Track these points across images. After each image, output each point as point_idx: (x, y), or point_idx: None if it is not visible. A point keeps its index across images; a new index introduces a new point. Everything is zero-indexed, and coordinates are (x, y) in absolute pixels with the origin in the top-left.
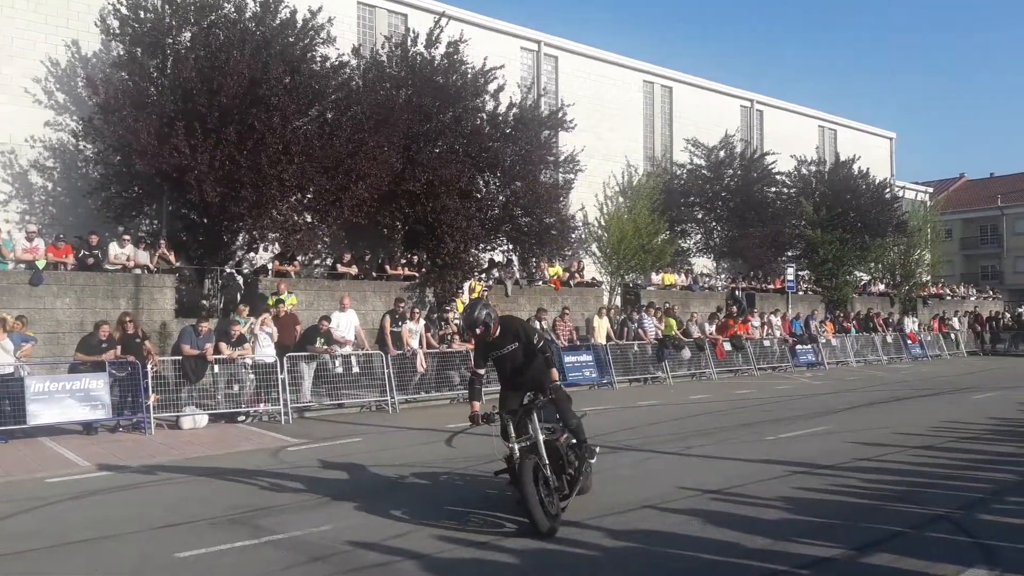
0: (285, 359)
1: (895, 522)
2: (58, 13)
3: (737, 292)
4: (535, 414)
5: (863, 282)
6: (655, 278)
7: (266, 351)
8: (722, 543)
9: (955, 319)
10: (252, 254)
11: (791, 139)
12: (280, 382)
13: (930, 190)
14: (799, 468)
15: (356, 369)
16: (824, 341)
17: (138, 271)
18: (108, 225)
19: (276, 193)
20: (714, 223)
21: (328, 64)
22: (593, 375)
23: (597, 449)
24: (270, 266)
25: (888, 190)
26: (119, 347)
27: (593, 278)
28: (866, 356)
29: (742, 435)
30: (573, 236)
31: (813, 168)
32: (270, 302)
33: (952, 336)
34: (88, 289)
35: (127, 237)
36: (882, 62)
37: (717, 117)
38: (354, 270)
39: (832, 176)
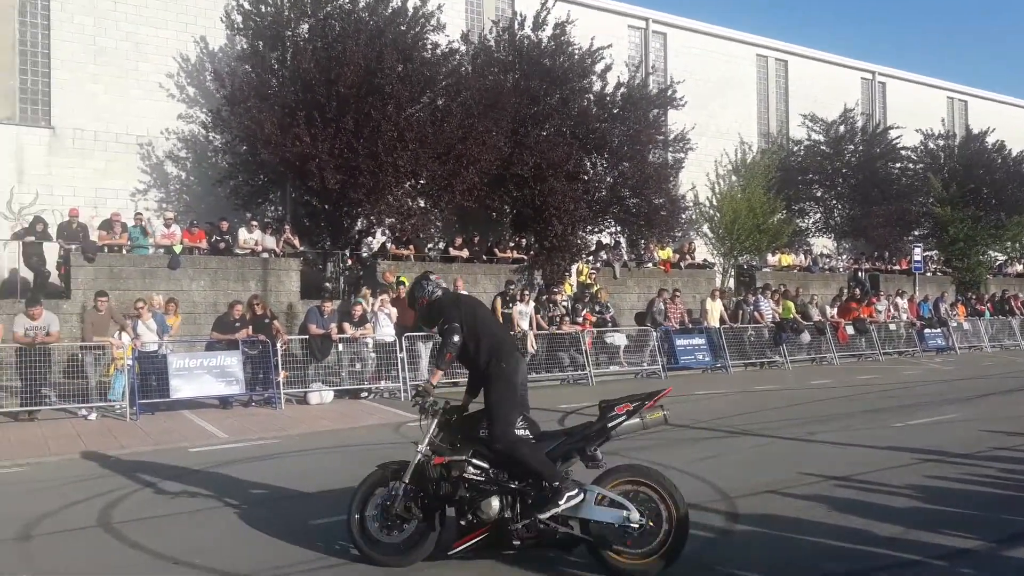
0: (403, 339)
1: None
2: (187, 11)
3: (860, 273)
4: (434, 420)
5: (998, 262)
6: (771, 259)
7: (385, 331)
8: (849, 530)
9: None
10: (370, 238)
11: (916, 112)
12: (399, 360)
13: None
14: (930, 456)
15: None
16: (955, 325)
17: (265, 255)
18: (237, 212)
19: (391, 179)
20: (834, 201)
21: (438, 51)
22: (706, 359)
23: (580, 497)
24: (389, 247)
25: None
26: (250, 327)
27: (705, 260)
28: (1002, 341)
29: (867, 421)
30: (683, 217)
31: (941, 142)
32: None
33: None
34: (220, 272)
35: (254, 223)
36: (1020, 24)
37: (836, 90)
38: (465, 253)
39: (963, 150)
